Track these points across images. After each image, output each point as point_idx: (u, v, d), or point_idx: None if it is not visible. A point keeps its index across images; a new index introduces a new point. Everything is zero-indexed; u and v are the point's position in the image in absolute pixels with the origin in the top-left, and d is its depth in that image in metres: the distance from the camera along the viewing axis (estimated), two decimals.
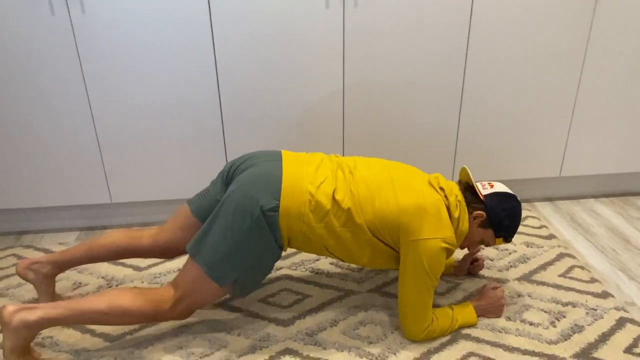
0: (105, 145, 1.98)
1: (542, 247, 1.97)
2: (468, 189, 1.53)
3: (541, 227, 2.11)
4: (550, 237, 2.04)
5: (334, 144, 2.09)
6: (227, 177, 1.49)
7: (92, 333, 1.53)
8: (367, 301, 1.66)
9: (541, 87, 2.08)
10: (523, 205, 2.31)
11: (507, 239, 1.53)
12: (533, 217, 2.20)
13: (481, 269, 1.80)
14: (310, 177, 1.40)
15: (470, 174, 1.58)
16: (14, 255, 1.96)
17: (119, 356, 1.44)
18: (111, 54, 1.84)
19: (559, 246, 1.97)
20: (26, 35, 1.78)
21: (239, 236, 1.34)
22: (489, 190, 1.52)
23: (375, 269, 1.70)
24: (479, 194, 1.51)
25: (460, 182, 1.57)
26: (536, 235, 2.05)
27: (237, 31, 1.86)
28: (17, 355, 1.34)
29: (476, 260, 1.79)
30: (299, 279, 1.79)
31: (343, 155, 2.13)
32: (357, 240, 1.42)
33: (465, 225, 1.46)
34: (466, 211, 1.48)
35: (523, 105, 2.11)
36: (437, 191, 1.47)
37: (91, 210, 2.15)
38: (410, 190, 1.42)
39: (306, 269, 1.84)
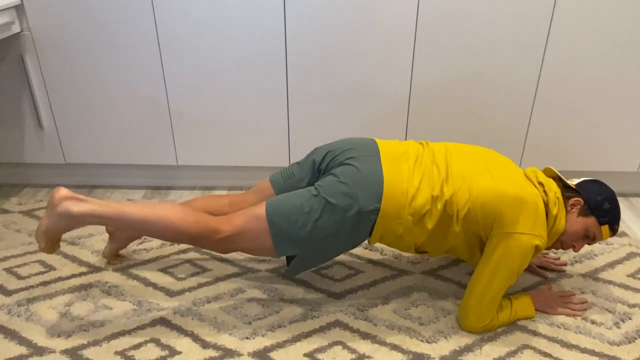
0: (174, 110, 2.04)
1: (612, 244, 1.86)
2: (557, 182, 1.49)
3: None
4: (622, 234, 1.92)
5: (397, 129, 2.06)
6: (321, 165, 1.48)
7: (155, 286, 1.61)
8: (421, 283, 1.65)
9: (623, 77, 1.94)
10: None
11: (613, 226, 1.43)
12: None
13: (558, 269, 1.71)
14: (409, 177, 1.37)
15: (556, 171, 1.52)
16: None
17: (178, 310, 1.51)
18: (185, 20, 1.88)
19: (630, 245, 1.86)
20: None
21: (322, 224, 1.34)
22: (577, 181, 1.48)
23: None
24: (570, 184, 1.46)
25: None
26: None
27: (308, 10, 1.85)
28: (47, 238, 1.35)
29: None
30: (353, 254, 1.79)
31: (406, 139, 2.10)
32: (446, 234, 1.41)
33: (562, 223, 1.40)
34: (564, 209, 1.42)
35: (601, 97, 1.98)
36: (535, 185, 1.42)
37: (158, 170, 2.24)
38: (509, 181, 1.37)
39: (360, 246, 1.84)
